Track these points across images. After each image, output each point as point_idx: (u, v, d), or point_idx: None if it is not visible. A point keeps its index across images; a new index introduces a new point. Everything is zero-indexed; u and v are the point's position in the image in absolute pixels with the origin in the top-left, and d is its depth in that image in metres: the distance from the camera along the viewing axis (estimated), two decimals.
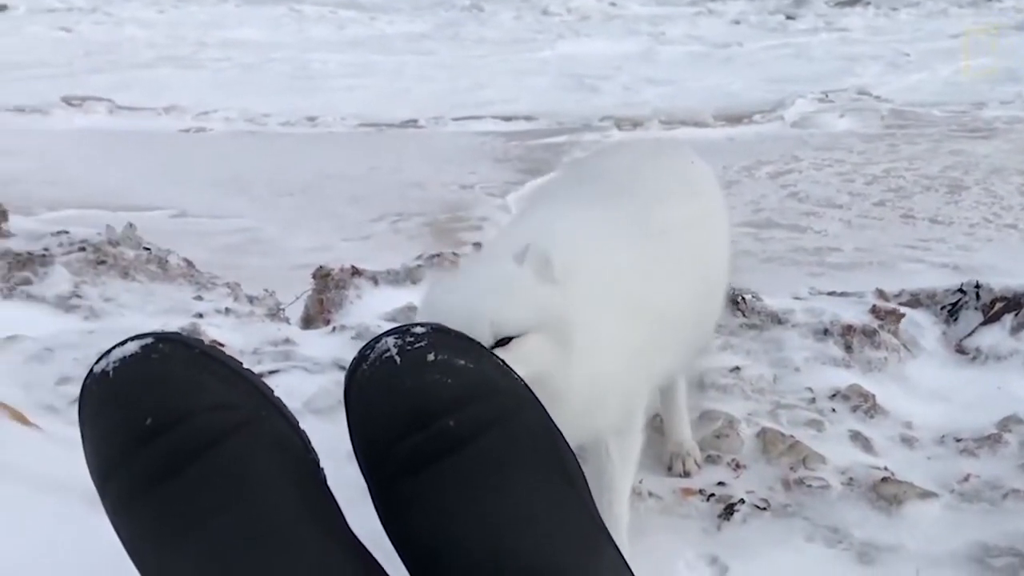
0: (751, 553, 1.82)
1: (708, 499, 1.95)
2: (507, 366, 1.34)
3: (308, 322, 2.82)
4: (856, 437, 2.18)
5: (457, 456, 1.24)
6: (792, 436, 2.12)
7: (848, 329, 2.55)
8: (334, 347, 2.48)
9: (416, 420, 1.25)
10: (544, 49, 12.39)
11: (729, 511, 1.91)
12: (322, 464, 1.32)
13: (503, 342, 1.41)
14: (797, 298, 2.83)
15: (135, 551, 1.24)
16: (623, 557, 1.30)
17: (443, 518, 1.23)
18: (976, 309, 2.69)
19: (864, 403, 2.30)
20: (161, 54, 11.67)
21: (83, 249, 2.91)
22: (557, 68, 11.02)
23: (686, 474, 2.04)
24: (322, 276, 2.88)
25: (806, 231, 5.58)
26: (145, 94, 9.09)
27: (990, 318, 2.64)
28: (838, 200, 6.14)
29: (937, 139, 7.66)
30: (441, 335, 1.32)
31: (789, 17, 15.03)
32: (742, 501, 1.93)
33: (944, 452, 2.16)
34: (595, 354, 1.52)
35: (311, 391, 2.19)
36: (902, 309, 2.70)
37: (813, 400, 2.32)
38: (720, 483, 2.00)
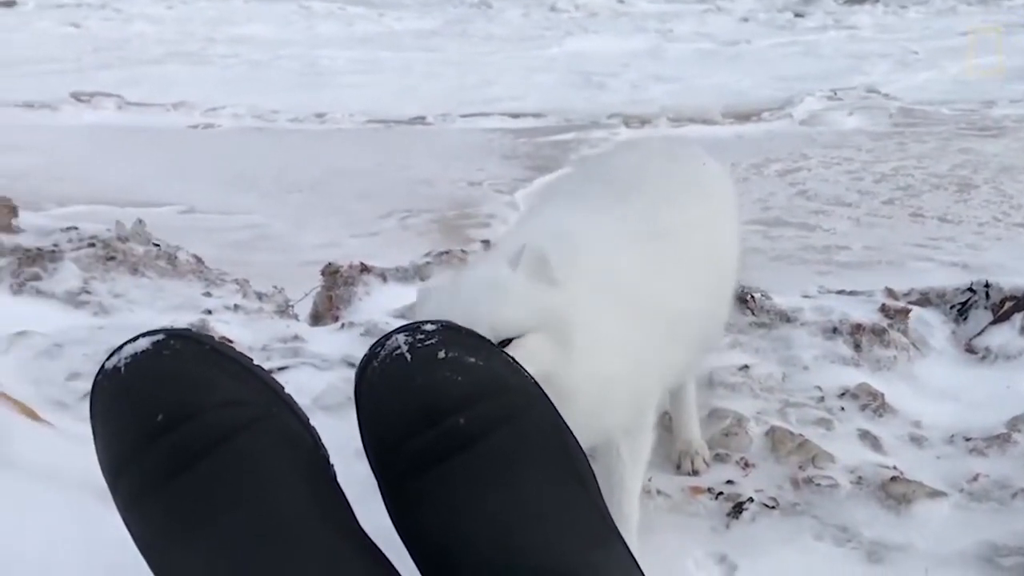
0: (760, 551, 1.82)
1: (717, 497, 1.95)
2: (517, 364, 1.35)
3: (317, 319, 2.82)
4: (865, 436, 2.18)
5: (467, 454, 1.24)
6: (801, 435, 2.12)
7: (857, 328, 2.54)
8: (343, 344, 2.48)
9: (426, 417, 1.25)
10: (552, 46, 12.37)
11: (738, 510, 1.91)
12: (331, 461, 1.33)
13: (504, 344, 1.42)
14: (806, 296, 2.83)
15: (146, 547, 1.24)
16: (632, 555, 1.30)
17: (453, 515, 1.23)
18: (986, 308, 2.69)
19: (873, 402, 2.30)
20: (170, 50, 11.68)
21: (92, 245, 2.92)
22: (565, 65, 11.00)
23: (695, 472, 2.04)
24: (331, 273, 2.88)
25: (815, 229, 5.57)
26: (154, 90, 9.10)
27: (1000, 317, 2.64)
28: (847, 198, 6.12)
29: (946, 137, 7.64)
30: (451, 333, 1.32)
31: (798, 15, 15.00)
32: (751, 500, 1.93)
33: (953, 451, 2.16)
34: (599, 353, 1.52)
35: (320, 388, 2.19)
36: (911, 308, 2.70)
37: (822, 399, 2.31)
38: (729, 481, 2.00)
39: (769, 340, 2.55)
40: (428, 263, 2.97)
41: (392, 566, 1.25)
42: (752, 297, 2.68)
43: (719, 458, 2.08)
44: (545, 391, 1.34)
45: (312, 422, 1.33)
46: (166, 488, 1.21)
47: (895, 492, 1.94)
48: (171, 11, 14.83)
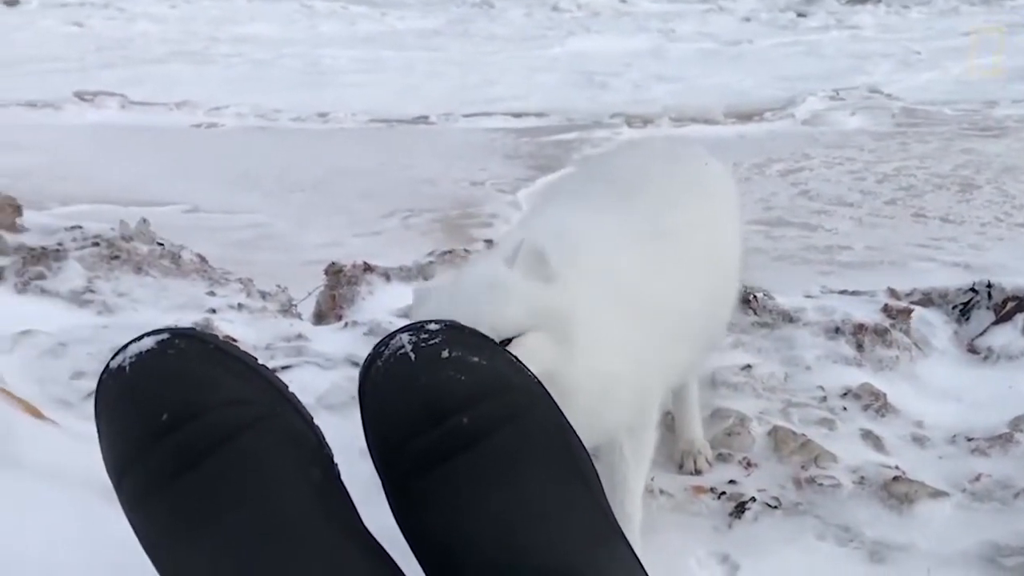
0: (762, 551, 1.82)
1: (719, 497, 1.95)
2: (520, 363, 1.35)
3: (320, 318, 2.83)
4: (867, 436, 2.18)
5: (471, 453, 1.24)
6: (803, 435, 2.12)
7: (860, 328, 2.55)
8: (346, 343, 2.49)
9: (430, 417, 1.25)
10: (554, 46, 12.37)
11: (740, 509, 1.91)
12: (335, 460, 1.33)
13: (504, 343, 1.42)
14: (809, 296, 2.83)
15: (151, 546, 1.25)
16: (635, 554, 1.30)
17: (456, 515, 1.24)
18: (988, 308, 2.69)
19: (875, 402, 2.30)
20: (173, 49, 11.69)
21: (97, 244, 2.92)
22: (567, 65, 11.00)
23: (697, 472, 2.04)
24: (334, 272, 2.89)
25: (817, 229, 5.57)
26: (157, 89, 9.10)
27: (1002, 318, 2.64)
28: (849, 198, 6.12)
29: (948, 138, 7.63)
30: (455, 332, 1.32)
31: (800, 15, 14.99)
32: (753, 499, 1.93)
33: (955, 451, 2.16)
34: (600, 351, 1.52)
35: (324, 387, 2.20)
36: (914, 308, 2.70)
37: (824, 399, 2.32)
38: (731, 481, 2.01)
39: (772, 340, 2.56)
40: (431, 262, 2.97)
41: (396, 565, 1.25)
42: (755, 297, 2.69)
43: (721, 458, 2.08)
44: (548, 390, 1.35)
45: (316, 421, 1.34)
46: (171, 487, 1.21)
47: (897, 492, 1.95)
48: (174, 10, 14.83)
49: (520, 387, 1.32)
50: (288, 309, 2.86)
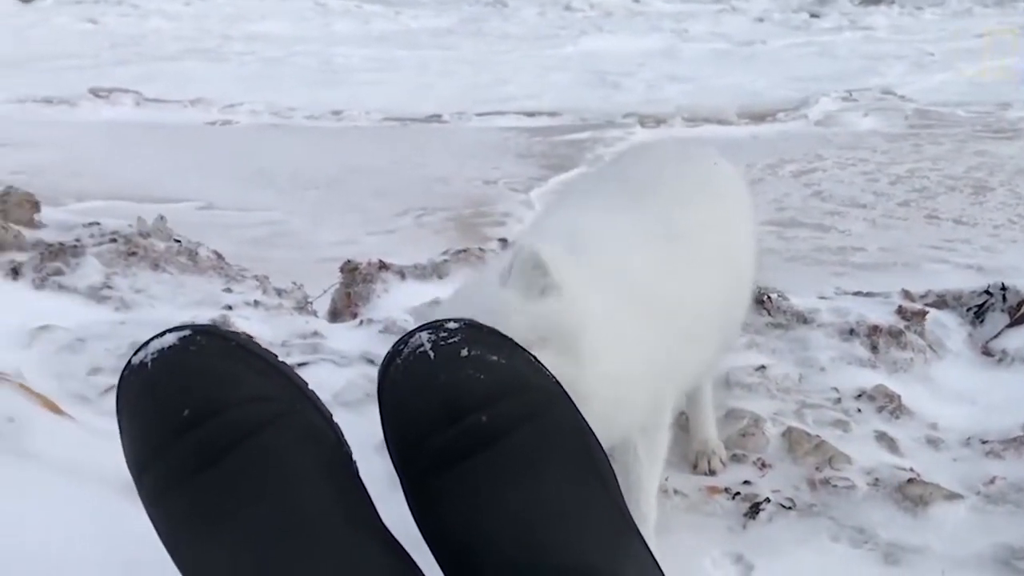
0: (776, 552, 1.82)
1: (734, 498, 1.95)
2: (539, 362, 1.35)
3: (335, 315, 2.83)
4: (882, 438, 2.18)
5: (489, 452, 1.25)
6: (818, 436, 2.12)
7: (874, 329, 2.55)
8: (362, 340, 2.50)
9: (449, 415, 1.26)
10: (567, 45, 12.37)
11: (755, 510, 1.91)
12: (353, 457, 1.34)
13: None
14: (823, 298, 2.83)
15: (170, 541, 1.26)
16: (652, 552, 1.31)
17: (474, 513, 1.24)
18: (1002, 311, 2.69)
19: (890, 404, 2.30)
20: (187, 47, 11.72)
21: (114, 240, 2.93)
22: (580, 64, 11.00)
23: (711, 472, 2.04)
24: (350, 270, 2.89)
25: (830, 230, 5.56)
26: (171, 86, 9.13)
27: (1016, 320, 2.63)
28: (862, 200, 6.11)
29: (962, 139, 7.61)
30: (474, 331, 1.33)
31: (813, 15, 14.97)
32: (768, 500, 1.93)
33: (970, 454, 2.16)
34: (610, 357, 1.51)
35: (340, 384, 2.20)
36: (928, 310, 2.70)
37: (839, 400, 2.32)
38: (746, 482, 2.01)
39: (786, 341, 2.56)
40: (446, 261, 2.98)
41: (414, 563, 1.26)
42: (769, 298, 2.69)
43: (736, 458, 2.08)
44: (566, 390, 1.35)
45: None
46: (191, 483, 1.22)
47: (912, 494, 1.95)
48: (188, 8, 14.87)
49: (539, 386, 1.32)
50: (304, 306, 2.86)
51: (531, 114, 8.46)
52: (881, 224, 5.67)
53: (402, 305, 2.72)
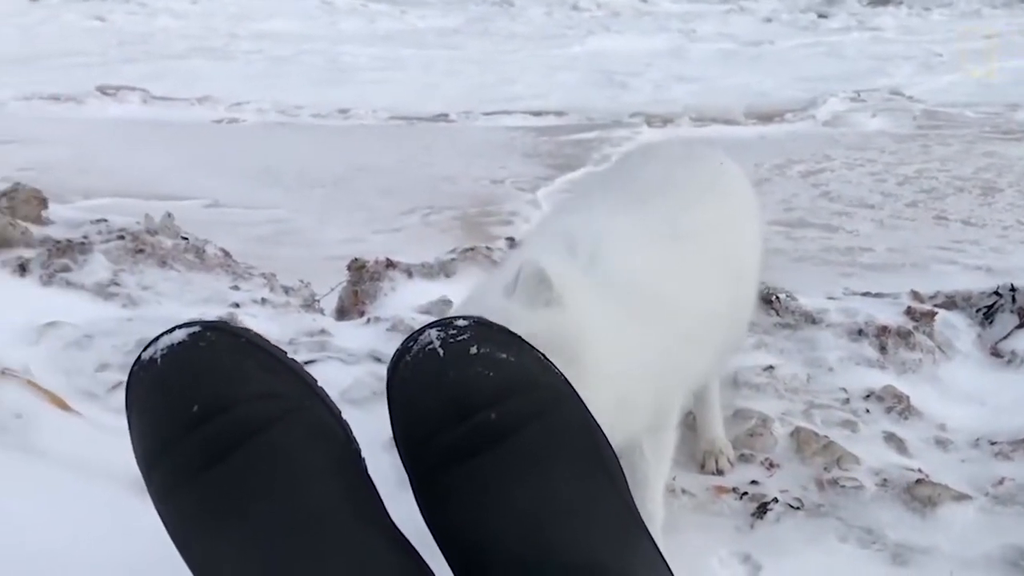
0: (784, 552, 1.82)
1: (741, 497, 1.95)
2: (548, 360, 1.35)
3: (342, 313, 2.84)
4: (890, 438, 2.18)
5: (498, 449, 1.25)
6: (826, 436, 2.12)
7: (883, 330, 2.54)
8: (369, 339, 2.50)
9: (458, 412, 1.26)
10: (574, 45, 12.36)
11: (762, 510, 1.91)
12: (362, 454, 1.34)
13: None
14: (831, 298, 2.82)
15: (179, 537, 1.26)
16: (660, 550, 1.31)
17: (483, 511, 1.24)
18: (1011, 312, 2.68)
19: (898, 404, 2.30)
20: (193, 45, 11.73)
21: (122, 237, 2.94)
22: (587, 64, 10.99)
23: (719, 472, 2.04)
24: (357, 268, 2.89)
25: (838, 231, 5.55)
26: (178, 84, 9.13)
27: None
28: (870, 200, 6.10)
29: (970, 140, 7.59)
30: (483, 328, 1.33)
31: (821, 16, 14.94)
32: (775, 500, 1.93)
33: (978, 455, 2.15)
34: (614, 364, 1.50)
35: (346, 382, 2.21)
36: (937, 311, 2.69)
37: (847, 400, 2.31)
38: (753, 482, 2.00)
39: (794, 341, 2.55)
40: (453, 259, 2.98)
41: (422, 559, 1.26)
42: (777, 298, 2.68)
43: (744, 458, 2.08)
44: (574, 388, 1.35)
45: None
46: (200, 479, 1.22)
47: (920, 495, 1.94)
48: (195, 6, 14.88)
49: (547, 384, 1.32)
50: (311, 304, 2.87)
51: (538, 114, 8.45)
52: (889, 225, 5.65)
53: (409, 303, 2.72)
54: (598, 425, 1.33)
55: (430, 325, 1.33)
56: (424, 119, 8.29)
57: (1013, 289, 2.72)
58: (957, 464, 2.12)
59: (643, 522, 1.31)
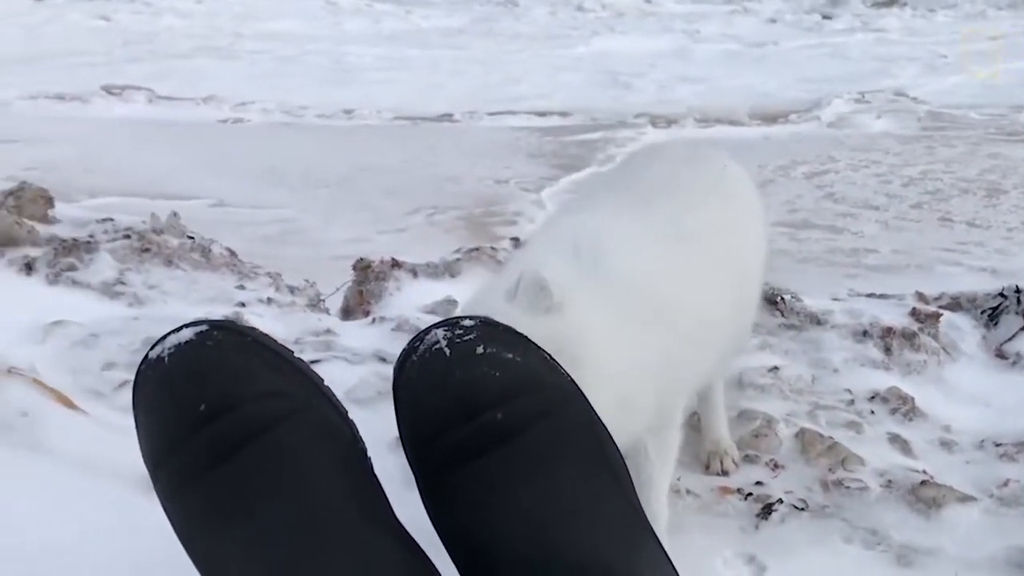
0: (789, 553, 1.82)
1: (746, 498, 1.95)
2: (554, 360, 1.35)
3: (347, 313, 2.84)
4: (895, 439, 2.18)
5: (504, 449, 1.25)
6: (831, 437, 2.12)
7: (888, 331, 2.54)
8: (374, 338, 2.50)
9: (464, 412, 1.26)
10: (579, 45, 12.35)
11: (767, 511, 1.91)
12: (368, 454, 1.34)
13: None
14: (836, 299, 2.82)
15: (185, 536, 1.26)
16: (665, 550, 1.31)
17: (488, 511, 1.24)
18: (1017, 314, 2.68)
19: (903, 406, 2.30)
20: (198, 45, 11.74)
21: (128, 237, 2.94)
22: (592, 64, 10.98)
23: (724, 473, 2.04)
24: (362, 268, 2.90)
25: (842, 232, 5.54)
26: (183, 84, 9.14)
27: None
28: (874, 201, 6.09)
29: (975, 142, 7.58)
30: (490, 328, 1.33)
31: (825, 17, 14.92)
32: (780, 501, 1.93)
33: (983, 456, 2.15)
34: (615, 369, 1.50)
35: (352, 382, 2.21)
36: (942, 312, 2.69)
37: (852, 402, 2.31)
38: (758, 483, 2.01)
39: (799, 342, 2.55)
40: (458, 259, 2.98)
41: (428, 559, 1.26)
42: (782, 299, 2.68)
43: (748, 459, 2.08)
44: (580, 388, 1.35)
45: None
46: (206, 478, 1.22)
47: (925, 496, 1.94)
48: (199, 5, 14.88)
49: (553, 384, 1.32)
50: (316, 304, 2.87)
51: (542, 114, 8.45)
52: (894, 226, 5.65)
53: (414, 303, 2.73)
54: (604, 425, 1.33)
55: (436, 325, 1.33)
56: (429, 119, 8.29)
57: (1018, 291, 2.72)
58: (962, 465, 2.12)
59: (649, 523, 1.32)
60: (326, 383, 1.35)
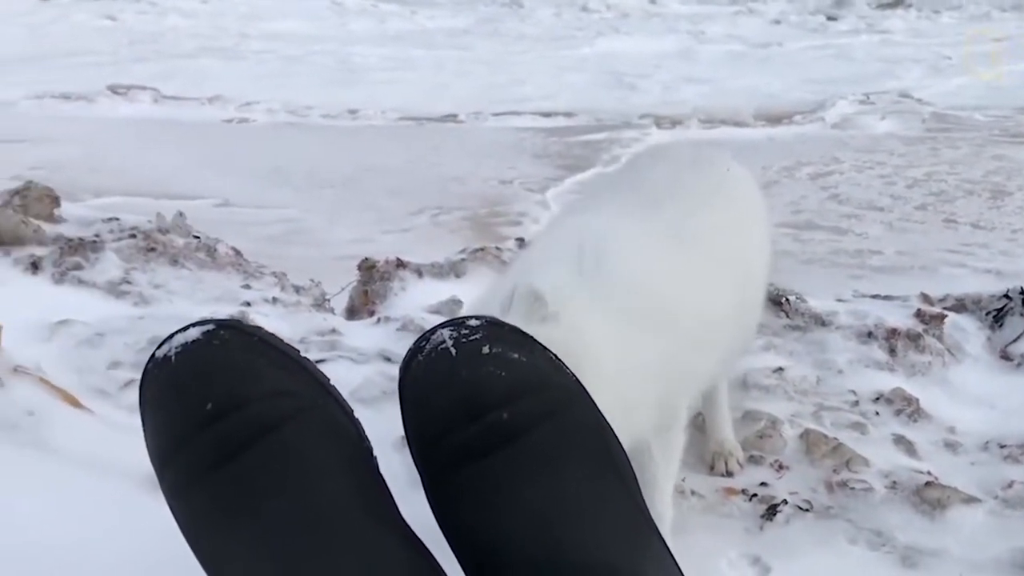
0: (794, 554, 1.82)
1: (751, 499, 1.96)
2: (559, 361, 1.35)
3: (352, 313, 2.84)
4: (900, 441, 2.18)
5: (509, 449, 1.25)
6: (835, 438, 2.12)
7: (892, 332, 2.54)
8: (379, 338, 2.50)
9: (469, 412, 1.26)
10: (583, 46, 12.34)
11: (772, 511, 1.91)
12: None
13: None
14: (841, 300, 2.82)
15: (191, 535, 1.26)
16: (670, 551, 1.31)
17: (494, 511, 1.24)
18: (1021, 315, 2.67)
19: (908, 407, 2.30)
20: (203, 45, 11.74)
21: (133, 236, 2.95)
22: (596, 65, 10.98)
23: (728, 474, 2.05)
24: (367, 268, 2.90)
25: (847, 233, 5.54)
26: (189, 84, 9.14)
27: None
28: (879, 203, 6.09)
29: (979, 143, 7.58)
30: (495, 328, 1.33)
31: (830, 18, 14.89)
32: (785, 502, 1.93)
33: (988, 458, 2.15)
34: (616, 373, 1.50)
35: (356, 381, 2.21)
36: (947, 314, 2.69)
37: (856, 403, 2.31)
38: (763, 483, 2.01)
39: (804, 343, 2.55)
40: (463, 259, 2.98)
41: (433, 558, 1.26)
42: (787, 300, 2.68)
43: (753, 460, 2.08)
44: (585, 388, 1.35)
45: None
46: (212, 477, 1.23)
47: (929, 497, 1.94)
48: (205, 5, 14.87)
49: (559, 384, 1.32)
50: (321, 304, 2.88)
51: (547, 114, 8.45)
52: (898, 227, 5.64)
53: (419, 303, 2.73)
54: (609, 425, 1.33)
55: (442, 324, 1.34)
56: (433, 119, 8.29)
57: (1023, 292, 2.72)
58: (966, 467, 2.12)
59: (654, 523, 1.32)
60: (331, 382, 1.36)
